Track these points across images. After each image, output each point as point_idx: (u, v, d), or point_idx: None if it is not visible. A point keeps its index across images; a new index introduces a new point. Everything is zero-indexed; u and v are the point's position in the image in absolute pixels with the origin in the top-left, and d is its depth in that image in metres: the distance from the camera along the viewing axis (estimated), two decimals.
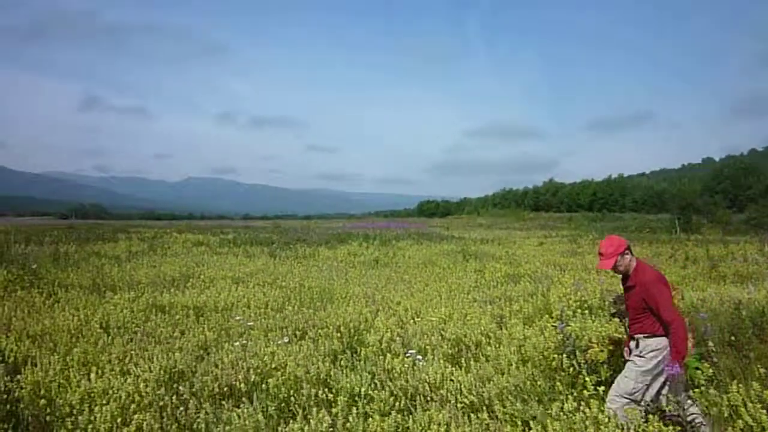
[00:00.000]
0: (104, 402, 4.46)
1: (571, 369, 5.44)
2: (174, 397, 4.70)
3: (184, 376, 5.64)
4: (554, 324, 6.72)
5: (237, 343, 6.67)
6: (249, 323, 8.00)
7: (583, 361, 5.46)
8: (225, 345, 6.76)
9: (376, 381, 5.68)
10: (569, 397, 4.84)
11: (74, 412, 4.38)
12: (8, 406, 4.42)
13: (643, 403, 4.64)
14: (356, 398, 5.26)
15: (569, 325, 6.47)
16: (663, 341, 4.65)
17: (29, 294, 10.08)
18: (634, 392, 4.64)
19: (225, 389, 5.35)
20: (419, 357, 6.39)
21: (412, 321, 8.37)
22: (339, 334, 7.45)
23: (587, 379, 4.96)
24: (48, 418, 4.42)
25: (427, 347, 6.87)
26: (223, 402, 5.03)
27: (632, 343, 4.79)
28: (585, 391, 4.82)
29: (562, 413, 4.39)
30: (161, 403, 4.65)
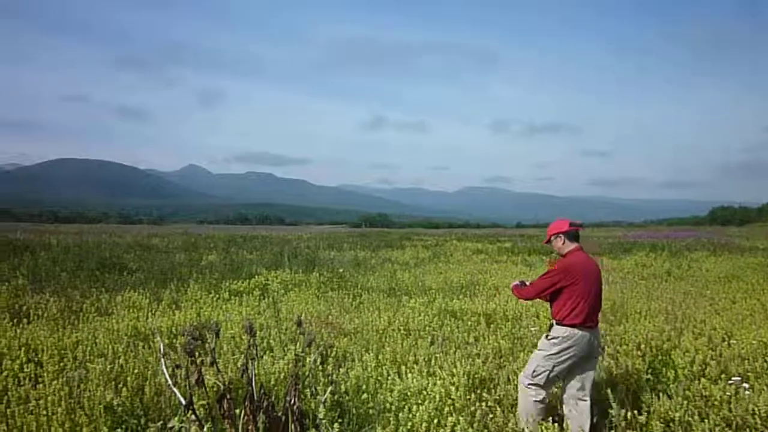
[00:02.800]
0: (419, 401, 4.74)
1: None
2: (483, 404, 4.82)
3: (485, 383, 5.76)
4: None
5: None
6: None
7: None
8: (520, 355, 6.75)
9: (691, 407, 5.15)
10: None
11: (393, 408, 4.73)
12: (335, 397, 4.92)
13: (547, 388, 4.79)
14: (670, 424, 4.83)
15: None
16: (568, 331, 4.78)
17: (339, 295, 11.29)
18: (536, 375, 4.80)
19: None
20: (745, 385, 5.65)
21: (724, 343, 7.47)
22: (640, 352, 6.95)
23: None
24: (370, 411, 4.83)
25: (749, 374, 6.05)
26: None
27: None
28: None
29: None
30: (472, 408, 4.80)
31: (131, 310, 9.19)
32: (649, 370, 6.34)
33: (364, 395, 4.97)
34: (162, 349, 4.42)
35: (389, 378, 5.59)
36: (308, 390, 4.69)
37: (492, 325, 8.59)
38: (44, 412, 4.33)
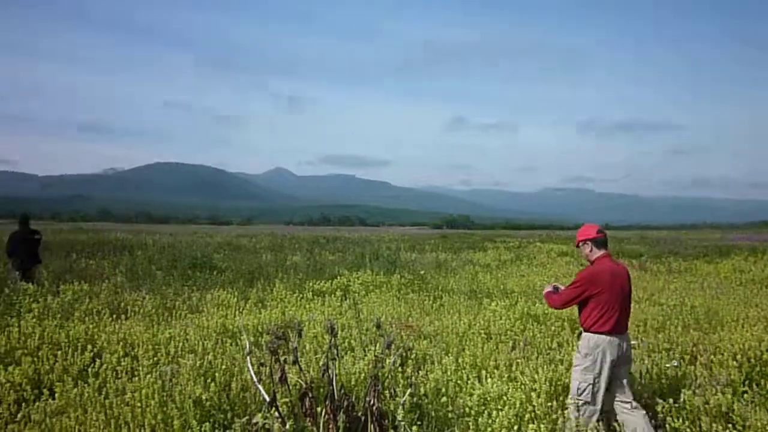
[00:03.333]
0: (499, 407, 4.69)
1: None
2: (565, 412, 4.71)
3: (567, 391, 5.62)
4: None
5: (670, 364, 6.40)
6: (632, 342, 7.62)
7: None
8: None
9: None
10: None
11: (472, 413, 4.70)
12: (415, 399, 4.94)
13: (597, 404, 4.68)
14: None
15: None
16: (596, 338, 4.80)
17: (419, 297, 11.31)
18: (581, 392, 4.75)
19: None
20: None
21: None
22: (736, 363, 6.58)
23: None
24: (449, 415, 4.82)
25: None
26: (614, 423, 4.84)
27: None
28: None
29: None
30: (553, 416, 4.70)
31: (220, 308, 9.56)
32: (746, 382, 6.00)
33: (444, 399, 4.96)
34: (248, 347, 4.58)
35: (469, 382, 5.56)
36: (388, 391, 4.73)
37: (576, 331, 8.36)
38: (139, 404, 4.58)
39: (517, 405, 4.66)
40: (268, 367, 4.50)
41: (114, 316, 8.57)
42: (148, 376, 5.16)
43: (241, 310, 9.55)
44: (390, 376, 4.97)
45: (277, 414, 4.09)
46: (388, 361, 5.02)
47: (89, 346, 6.44)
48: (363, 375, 5.40)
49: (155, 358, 6.11)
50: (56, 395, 5.02)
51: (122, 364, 5.80)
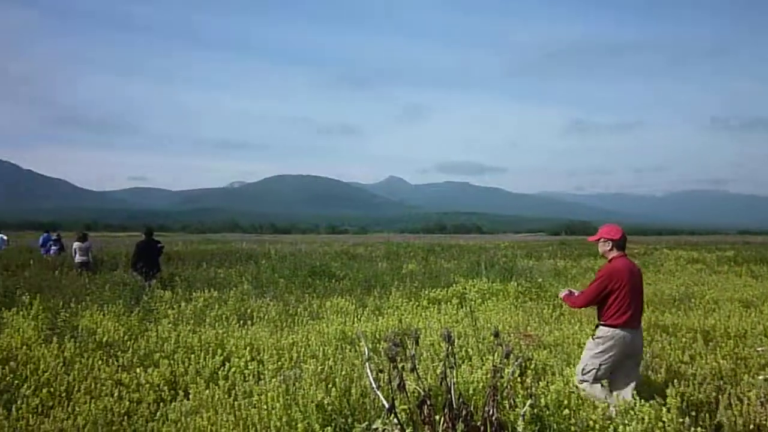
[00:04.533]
0: (626, 422, 4.47)
1: None
2: (699, 429, 4.41)
3: (701, 407, 5.26)
4: None
5: (761, 377, 5.91)
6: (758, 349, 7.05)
7: None
8: (744, 377, 6.07)
9: None
10: None
11: (596, 427, 4.50)
12: (535, 410, 4.81)
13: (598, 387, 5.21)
14: None
15: None
16: (611, 331, 5.23)
17: (537, 305, 11.03)
18: (585, 372, 5.29)
19: (751, 427, 4.78)
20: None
21: None
22: None
23: None
24: (571, 428, 4.65)
25: None
26: None
27: None
28: None
29: None
30: None
31: (339, 315, 9.81)
32: None
33: (566, 411, 4.79)
34: (367, 354, 4.66)
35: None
36: (507, 402, 4.64)
37: (710, 343, 7.82)
38: (265, 407, 4.79)
39: (645, 420, 4.41)
40: (386, 374, 4.56)
41: (241, 321, 9.04)
42: (273, 379, 5.39)
43: (359, 317, 9.74)
44: (509, 387, 4.88)
45: (395, 420, 4.13)
46: (507, 370, 4.93)
47: (219, 350, 6.84)
48: (481, 384, 5.34)
49: (279, 363, 6.37)
50: (190, 396, 5.37)
51: (249, 367, 6.09)
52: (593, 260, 23.02)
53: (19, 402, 5.12)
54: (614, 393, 5.23)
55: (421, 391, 4.40)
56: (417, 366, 4.56)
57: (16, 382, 5.84)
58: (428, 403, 4.31)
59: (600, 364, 5.26)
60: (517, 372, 5.47)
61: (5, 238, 26.00)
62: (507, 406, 4.62)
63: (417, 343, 4.42)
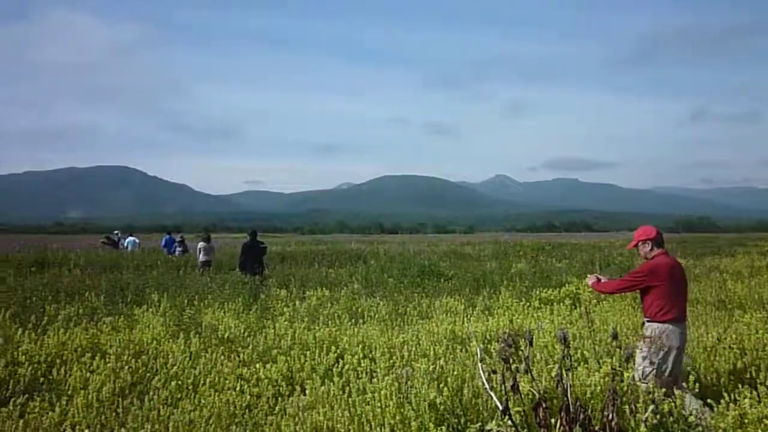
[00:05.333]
0: (760, 430, 4.17)
1: None
2: None
3: None
4: None
5: None
6: None
7: None
8: None
9: None
10: None
11: None
12: (658, 417, 4.57)
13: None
14: None
15: None
16: (660, 327, 5.37)
17: None
18: (645, 377, 5.16)
19: None
20: None
21: None
22: None
23: None
24: None
25: None
26: None
27: None
28: None
29: None
30: None
31: (448, 315, 9.80)
32: None
33: (691, 418, 4.54)
34: (480, 354, 4.64)
35: (722, 401, 5.01)
36: (627, 407, 4.46)
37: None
38: (378, 404, 4.87)
39: None
40: (499, 375, 4.50)
41: (353, 320, 9.24)
42: (386, 377, 5.47)
43: (468, 317, 9.69)
44: (629, 391, 4.68)
45: (510, 422, 4.08)
46: (626, 374, 4.74)
47: (333, 348, 7.02)
48: (599, 388, 5.15)
49: (391, 361, 6.45)
50: (306, 392, 5.55)
51: (362, 365, 6.21)
52: (718, 259, 21.62)
53: (150, 393, 5.50)
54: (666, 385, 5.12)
55: (536, 393, 4.31)
56: (531, 368, 4.48)
57: (148, 374, 6.28)
58: (544, 405, 4.22)
59: (659, 364, 5.32)
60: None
61: (137, 240, 27.99)
62: (627, 412, 4.43)
63: (531, 344, 4.34)
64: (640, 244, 5.75)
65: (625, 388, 4.51)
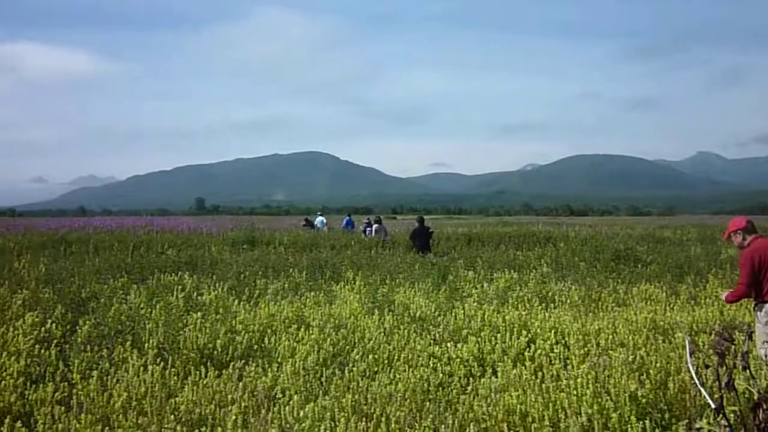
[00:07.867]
0: None
1: None
2: None
3: None
4: None
5: None
6: None
7: None
8: None
9: None
10: None
11: None
12: None
13: None
14: None
15: None
16: None
17: None
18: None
19: None
20: None
21: None
22: None
23: None
24: None
25: None
26: None
27: None
28: None
29: None
30: None
31: (648, 303, 9.20)
32: None
33: None
34: (690, 347, 4.29)
35: None
36: None
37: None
38: (574, 392, 4.71)
39: None
40: (711, 370, 4.14)
41: (543, 304, 9.02)
42: (581, 365, 5.28)
43: (671, 306, 9.02)
44: None
45: (725, 422, 3.73)
46: None
47: (523, 332, 6.92)
48: None
49: (585, 349, 6.21)
50: (498, 374, 5.54)
51: (555, 351, 6.06)
52: None
53: (350, 365, 5.84)
54: None
55: (754, 392, 3.91)
56: (749, 364, 4.07)
57: (347, 347, 6.66)
58: (764, 407, 3.81)
59: None
60: None
61: (325, 220, 29.70)
62: None
63: (750, 338, 3.93)
64: (732, 235, 5.91)
65: None
